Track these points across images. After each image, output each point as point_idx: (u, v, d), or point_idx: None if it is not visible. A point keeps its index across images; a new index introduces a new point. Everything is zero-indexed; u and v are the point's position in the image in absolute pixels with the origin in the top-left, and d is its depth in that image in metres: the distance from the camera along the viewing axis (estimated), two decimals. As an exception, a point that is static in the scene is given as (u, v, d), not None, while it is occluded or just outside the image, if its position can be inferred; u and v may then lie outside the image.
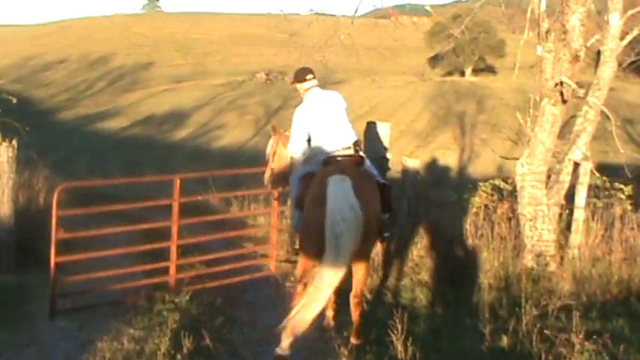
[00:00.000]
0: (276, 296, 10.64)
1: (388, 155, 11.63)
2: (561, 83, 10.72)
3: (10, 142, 12.13)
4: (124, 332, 8.67)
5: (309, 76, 9.28)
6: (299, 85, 9.32)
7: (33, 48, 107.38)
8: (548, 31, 10.93)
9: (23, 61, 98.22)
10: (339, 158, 8.67)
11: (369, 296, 10.16)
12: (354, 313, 8.24)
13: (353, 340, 8.23)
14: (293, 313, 7.74)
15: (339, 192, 7.77)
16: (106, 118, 65.42)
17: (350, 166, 8.47)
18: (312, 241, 7.97)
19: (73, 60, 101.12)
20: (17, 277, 11.05)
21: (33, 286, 10.53)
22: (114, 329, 8.79)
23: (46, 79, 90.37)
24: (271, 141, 10.12)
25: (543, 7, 10.95)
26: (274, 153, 9.99)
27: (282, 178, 9.98)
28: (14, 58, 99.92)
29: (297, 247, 9.30)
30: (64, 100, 78.06)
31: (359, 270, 8.16)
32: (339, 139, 8.84)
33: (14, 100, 17.01)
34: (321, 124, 8.92)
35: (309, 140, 9.06)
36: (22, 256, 11.76)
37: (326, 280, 7.56)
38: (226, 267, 11.36)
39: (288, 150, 9.35)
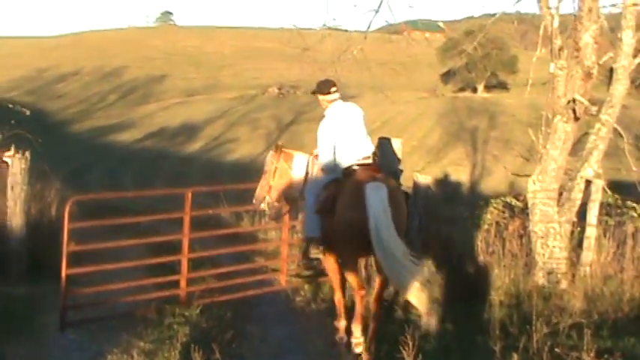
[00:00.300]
0: (286, 311, 10.63)
1: (401, 167, 11.63)
2: (574, 100, 10.71)
3: (23, 153, 12.19)
4: (134, 345, 8.68)
5: (333, 89, 9.48)
6: (322, 97, 9.50)
7: (46, 60, 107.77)
8: (561, 48, 10.93)
9: (37, 73, 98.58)
10: (356, 167, 9.05)
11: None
12: (375, 319, 8.66)
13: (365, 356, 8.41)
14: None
15: (377, 198, 8.26)
16: (118, 131, 65.53)
17: (383, 175, 8.94)
18: (349, 243, 8.54)
19: (87, 72, 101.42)
20: (28, 288, 11.08)
21: (44, 298, 10.56)
22: (124, 342, 8.80)
23: (59, 91, 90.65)
24: (270, 158, 10.07)
25: (556, 24, 10.96)
26: (275, 170, 9.98)
27: (281, 196, 10.13)
28: (28, 69, 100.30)
29: (313, 255, 9.51)
30: (77, 112, 78.24)
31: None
32: (360, 149, 9.21)
33: (27, 112, 17.10)
34: (345, 135, 9.20)
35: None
36: (33, 267, 11.80)
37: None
38: (237, 281, 11.36)
39: (318, 160, 9.50)
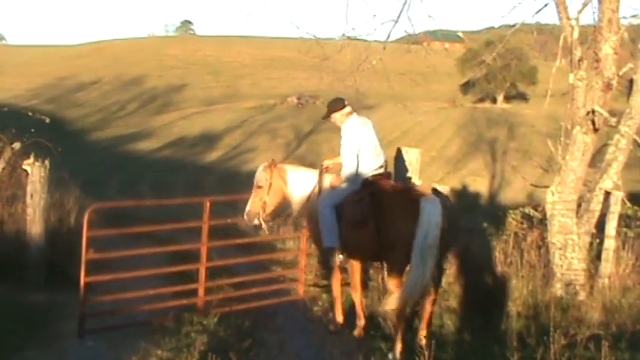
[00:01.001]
0: (304, 320, 10.63)
1: (418, 182, 11.64)
2: (593, 111, 10.68)
3: (43, 161, 12.24)
4: (152, 353, 8.69)
5: (346, 103, 9.86)
6: (338, 114, 9.85)
7: (67, 68, 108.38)
8: (580, 59, 10.90)
9: (57, 82, 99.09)
10: (372, 178, 9.63)
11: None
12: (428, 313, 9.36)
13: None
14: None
15: (434, 212, 8.84)
16: (137, 140, 65.77)
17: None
18: (404, 254, 8.83)
19: (106, 81, 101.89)
20: (47, 295, 11.13)
21: (62, 305, 10.60)
22: (142, 350, 8.80)
23: (79, 100, 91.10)
24: (263, 173, 10.10)
25: (576, 34, 10.93)
26: (270, 186, 10.05)
27: (275, 212, 10.24)
28: (48, 78, 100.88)
29: (337, 263, 9.83)
30: (97, 120, 78.58)
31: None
32: (377, 159, 9.72)
33: (47, 120, 17.16)
34: (365, 145, 9.62)
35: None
36: (51, 274, 11.85)
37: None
38: (255, 290, 11.37)
39: (343, 171, 9.70)
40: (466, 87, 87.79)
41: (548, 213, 11.00)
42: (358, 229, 9.37)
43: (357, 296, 10.05)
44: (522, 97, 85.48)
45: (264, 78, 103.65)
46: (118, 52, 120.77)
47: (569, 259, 10.75)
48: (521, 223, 12.20)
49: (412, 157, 11.79)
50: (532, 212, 12.30)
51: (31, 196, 12.09)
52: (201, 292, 10.90)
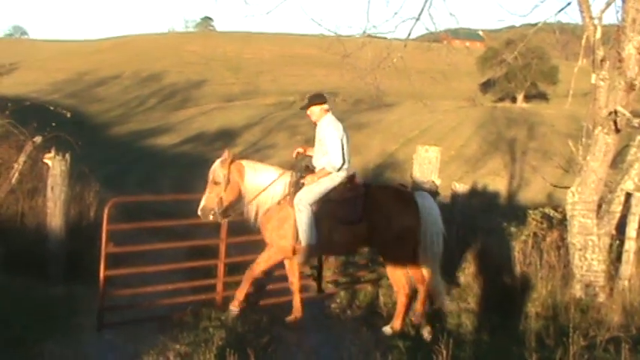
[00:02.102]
0: (322, 317, 10.63)
1: (437, 180, 11.63)
2: (615, 112, 10.61)
3: (63, 155, 12.29)
4: (170, 347, 8.72)
5: (326, 100, 10.24)
6: (317, 107, 10.11)
7: (87, 63, 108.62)
8: (603, 59, 10.84)
9: (78, 77, 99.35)
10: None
11: (414, 320, 10.14)
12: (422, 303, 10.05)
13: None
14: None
15: (434, 207, 9.95)
16: (157, 135, 65.80)
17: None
18: (406, 245, 9.83)
19: (127, 76, 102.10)
20: (66, 288, 11.16)
21: (81, 299, 10.63)
22: (160, 344, 8.84)
23: (99, 95, 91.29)
24: (220, 168, 9.98)
25: (599, 34, 10.87)
26: (228, 182, 9.95)
27: (230, 209, 10.18)
28: (69, 73, 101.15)
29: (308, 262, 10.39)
30: (117, 115, 78.68)
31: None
32: (349, 158, 10.09)
33: (68, 114, 17.22)
34: (345, 144, 9.93)
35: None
36: (71, 268, 11.89)
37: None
38: (272, 286, 11.38)
39: (331, 162, 9.80)
40: (486, 86, 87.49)
41: (569, 214, 10.96)
42: (349, 227, 9.76)
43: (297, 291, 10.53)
44: (543, 96, 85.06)
45: (284, 75, 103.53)
46: (139, 48, 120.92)
47: (589, 260, 10.70)
48: (541, 223, 12.15)
49: (432, 156, 11.79)
50: (552, 212, 12.25)
51: (52, 189, 12.14)
52: (219, 287, 10.93)
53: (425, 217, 9.77)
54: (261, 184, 10.02)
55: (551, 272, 10.82)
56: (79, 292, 10.92)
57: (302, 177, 9.95)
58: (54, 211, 12.13)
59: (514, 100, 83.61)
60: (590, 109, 11.11)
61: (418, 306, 10.06)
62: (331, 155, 9.80)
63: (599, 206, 10.95)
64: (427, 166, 11.79)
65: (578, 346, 7.77)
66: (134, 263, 11.00)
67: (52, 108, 17.69)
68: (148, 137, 64.19)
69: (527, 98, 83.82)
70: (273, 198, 10.01)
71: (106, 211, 9.81)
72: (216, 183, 9.90)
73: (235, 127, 66.24)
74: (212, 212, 9.90)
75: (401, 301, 9.98)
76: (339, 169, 9.83)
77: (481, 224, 12.94)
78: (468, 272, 11.41)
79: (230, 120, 70.05)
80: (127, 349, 8.93)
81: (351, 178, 10.04)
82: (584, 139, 11.12)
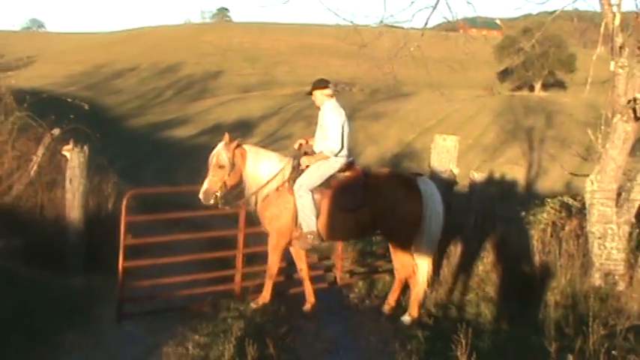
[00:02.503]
0: (340, 307, 10.63)
1: (455, 169, 11.61)
2: (634, 100, 10.53)
3: (82, 147, 12.33)
4: (189, 338, 8.76)
5: (329, 86, 10.28)
6: (319, 92, 10.22)
7: (104, 56, 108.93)
8: (622, 47, 10.76)
9: (95, 69, 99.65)
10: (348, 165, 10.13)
11: (433, 310, 10.12)
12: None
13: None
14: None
15: (435, 191, 9.98)
16: (174, 126, 65.95)
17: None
18: (411, 230, 9.92)
19: (144, 68, 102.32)
20: (85, 280, 11.21)
21: (100, 290, 10.68)
22: (179, 335, 8.88)
23: (116, 87, 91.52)
24: (225, 152, 9.95)
25: (617, 21, 10.78)
26: (233, 166, 9.95)
27: (229, 194, 10.14)
28: (86, 65, 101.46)
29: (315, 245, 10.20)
30: (134, 107, 78.90)
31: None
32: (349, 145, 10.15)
33: (86, 106, 17.28)
34: (346, 129, 9.99)
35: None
36: (90, 259, 11.94)
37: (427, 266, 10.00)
38: (291, 276, 11.40)
39: (331, 147, 9.90)
40: (504, 75, 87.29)
41: (588, 202, 10.90)
42: (350, 214, 9.85)
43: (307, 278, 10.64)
44: (560, 85, 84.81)
45: (300, 65, 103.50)
46: (155, 40, 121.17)
47: (608, 248, 10.64)
48: (560, 212, 12.10)
49: (450, 145, 11.76)
50: (571, 201, 12.20)
51: (70, 181, 12.18)
52: (238, 278, 10.95)
53: (427, 203, 9.84)
54: (262, 169, 10.07)
55: (570, 261, 10.76)
56: (98, 284, 10.97)
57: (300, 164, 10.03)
58: (72, 202, 12.17)
59: (532, 88, 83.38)
60: (608, 96, 11.03)
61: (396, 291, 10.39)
62: (330, 140, 9.89)
63: (619, 194, 10.88)
64: (445, 155, 11.76)
65: (598, 334, 7.75)
66: (153, 254, 11.03)
67: (69, 100, 17.76)
68: (165, 129, 64.40)
69: (545, 87, 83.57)
70: (273, 184, 10.04)
71: (124, 202, 9.83)
72: (220, 167, 9.88)
73: (252, 118, 66.34)
74: (214, 196, 9.88)
75: (414, 287, 10.08)
76: (336, 155, 9.92)
77: (499, 213, 12.90)
78: (486, 261, 11.38)
79: (247, 111, 70.17)
80: (146, 340, 8.98)
81: (349, 165, 10.12)
82: (602, 127, 11.05)
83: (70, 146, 12.35)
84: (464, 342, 7.38)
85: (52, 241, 12.21)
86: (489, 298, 10.67)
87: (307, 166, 9.97)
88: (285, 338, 8.84)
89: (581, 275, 10.57)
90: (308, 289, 10.56)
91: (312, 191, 9.83)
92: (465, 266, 11.35)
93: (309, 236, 9.89)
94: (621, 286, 10.39)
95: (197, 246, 12.19)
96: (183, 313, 9.94)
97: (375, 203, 9.80)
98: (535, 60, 79.09)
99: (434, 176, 11.76)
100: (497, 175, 27.81)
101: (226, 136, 10.06)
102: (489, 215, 12.13)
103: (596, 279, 10.53)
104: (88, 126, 14.88)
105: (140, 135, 61.22)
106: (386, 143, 51.27)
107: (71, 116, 15.23)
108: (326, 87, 10.25)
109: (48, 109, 15.80)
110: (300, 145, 10.49)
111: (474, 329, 7.89)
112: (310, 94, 10.39)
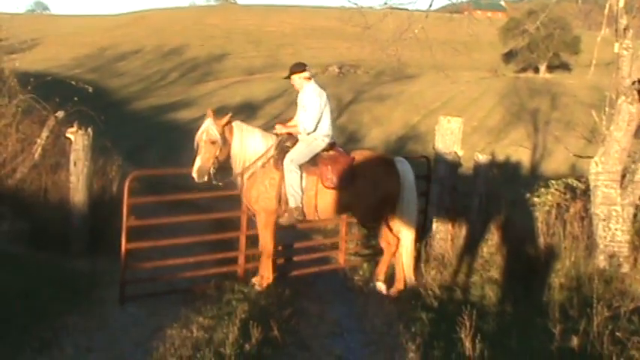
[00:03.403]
0: (344, 289, 10.64)
1: (460, 151, 11.59)
2: (639, 81, 10.50)
3: (86, 130, 12.33)
4: (193, 320, 8.77)
5: (307, 69, 10.56)
6: (300, 75, 10.44)
7: (108, 38, 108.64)
8: (626, 28, 10.72)
9: (99, 52, 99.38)
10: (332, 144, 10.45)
11: (438, 292, 10.12)
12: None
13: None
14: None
15: (410, 170, 10.39)
16: (178, 109, 65.82)
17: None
18: (386, 206, 10.39)
19: (148, 51, 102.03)
20: (89, 262, 11.24)
21: (104, 273, 10.72)
22: (183, 317, 8.89)
23: (120, 70, 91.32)
24: (215, 128, 9.95)
25: (622, 3, 10.74)
26: (224, 141, 10.01)
27: (222, 169, 10.20)
28: (90, 48, 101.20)
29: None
30: (138, 90, 78.74)
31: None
32: (332, 126, 10.46)
33: (90, 89, 17.26)
34: (326, 110, 10.26)
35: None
36: (94, 242, 11.96)
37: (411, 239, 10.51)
38: (295, 258, 11.41)
39: (305, 125, 10.18)
40: (508, 57, 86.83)
41: (592, 184, 10.87)
42: (334, 192, 10.12)
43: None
44: (565, 67, 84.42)
45: (305, 47, 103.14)
46: (159, 22, 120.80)
47: (612, 230, 10.62)
48: (564, 193, 12.09)
49: (454, 127, 11.73)
50: (575, 183, 12.19)
51: (75, 164, 12.19)
52: (241, 260, 10.98)
53: (403, 183, 10.36)
54: (248, 146, 10.19)
55: (574, 243, 10.74)
56: (102, 266, 11.00)
57: (286, 140, 10.27)
58: (77, 185, 12.18)
59: (536, 70, 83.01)
60: (613, 78, 10.99)
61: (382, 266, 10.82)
62: (307, 119, 10.16)
63: (623, 176, 10.85)
64: (449, 137, 11.73)
65: (602, 316, 7.75)
66: (156, 237, 11.06)
67: (73, 83, 17.74)
68: (169, 111, 64.31)
69: (550, 69, 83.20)
70: (258, 161, 10.18)
71: (126, 184, 9.85)
72: (212, 142, 9.89)
73: (257, 101, 66.24)
74: (207, 173, 9.91)
75: (399, 261, 10.64)
76: (309, 134, 10.17)
77: (504, 195, 12.88)
78: (491, 243, 11.37)
79: (252, 93, 70.05)
80: (149, 322, 8.99)
81: (332, 146, 10.41)
82: (607, 109, 11.02)
83: (74, 129, 12.35)
84: (468, 324, 7.39)
85: (56, 223, 12.24)
86: (494, 280, 10.68)
87: (282, 134, 10.33)
88: (289, 321, 8.85)
89: (586, 257, 10.56)
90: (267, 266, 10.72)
91: (301, 167, 10.03)
92: (470, 248, 11.35)
93: (295, 212, 10.07)
94: (625, 268, 10.38)
95: (200, 228, 12.20)
96: (186, 295, 9.97)
97: (357, 183, 10.12)
98: (540, 42, 78.63)
99: (438, 158, 11.75)
100: (501, 157, 27.77)
101: (210, 112, 10.18)
102: (494, 197, 12.11)
103: (601, 261, 10.52)
104: (92, 108, 14.88)
105: (144, 117, 61.19)
106: (390, 125, 51.17)
107: (75, 99, 15.21)
108: (304, 70, 10.50)
109: (52, 91, 15.79)
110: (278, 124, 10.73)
111: (478, 311, 7.90)
112: (288, 78, 10.58)
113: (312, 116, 10.13)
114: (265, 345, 7.90)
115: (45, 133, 14.29)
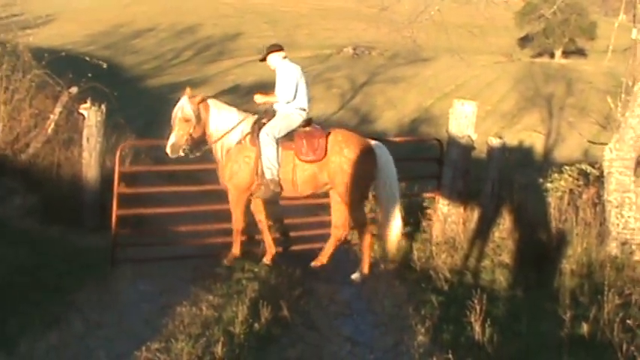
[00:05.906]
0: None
1: (474, 135, 11.54)
2: (656, 68, 10.44)
3: (99, 106, 12.33)
4: (202, 298, 8.78)
5: (282, 49, 10.84)
6: (276, 55, 10.66)
7: (123, 16, 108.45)
8: (644, 14, 10.65)
9: (113, 29, 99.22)
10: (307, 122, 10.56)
11: (448, 275, 10.10)
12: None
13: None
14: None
15: (389, 156, 10.47)
16: (192, 87, 65.75)
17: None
18: (365, 188, 10.62)
19: (162, 29, 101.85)
20: (100, 239, 11.25)
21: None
22: (193, 295, 8.90)
23: (134, 47, 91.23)
24: (191, 106, 10.22)
25: (641, -11, 10.67)
26: (198, 119, 10.23)
27: (196, 145, 10.37)
28: (105, 25, 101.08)
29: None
30: (152, 67, 78.68)
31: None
32: (308, 102, 10.61)
33: (104, 65, 17.26)
34: (301, 85, 10.44)
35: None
36: (105, 218, 11.98)
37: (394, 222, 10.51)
38: (303, 233, 11.45)
39: (280, 99, 10.41)
40: (524, 41, 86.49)
41: (606, 170, 10.82)
42: (310, 166, 10.22)
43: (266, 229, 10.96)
44: (581, 52, 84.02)
45: (320, 28, 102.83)
46: (174, 0, 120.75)
47: (625, 217, 10.57)
48: (577, 179, 12.03)
49: (468, 110, 11.66)
50: (589, 169, 12.13)
51: (87, 140, 12.22)
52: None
53: (382, 167, 10.42)
54: (224, 123, 10.37)
55: (586, 229, 10.70)
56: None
57: (262, 117, 10.42)
58: (89, 161, 12.21)
59: (552, 55, 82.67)
60: (629, 64, 10.93)
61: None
62: (283, 88, 10.36)
63: (637, 163, 10.78)
64: (463, 121, 11.66)
65: (613, 304, 7.73)
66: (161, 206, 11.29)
67: (87, 59, 17.74)
68: (182, 89, 64.25)
69: (566, 54, 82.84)
70: (234, 137, 10.34)
71: (117, 153, 10.41)
72: (186, 120, 10.13)
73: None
74: (182, 149, 10.13)
75: (366, 241, 10.65)
76: (288, 103, 10.37)
77: (517, 180, 12.83)
78: (502, 228, 11.34)
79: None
80: (160, 300, 9.00)
81: (308, 122, 10.55)
82: (622, 96, 10.95)
83: (87, 105, 12.37)
84: (478, 308, 7.38)
85: (68, 199, 12.28)
86: (505, 265, 10.66)
87: (261, 104, 10.63)
88: (299, 301, 8.86)
89: (598, 244, 10.52)
90: (267, 240, 10.89)
91: (278, 141, 10.13)
92: (481, 232, 11.32)
93: (271, 185, 10.13)
94: (638, 256, 10.33)
95: (200, 199, 12.20)
96: (196, 273, 10.01)
97: (332, 159, 10.17)
98: (556, 27, 78.30)
99: (451, 142, 11.70)
100: (515, 141, 27.66)
101: (188, 90, 10.46)
102: (507, 182, 12.07)
103: (613, 248, 10.48)
104: (105, 85, 14.88)
105: (158, 95, 61.23)
106: (404, 108, 51.01)
107: (89, 75, 15.22)
108: (280, 50, 10.77)
109: (66, 67, 15.79)
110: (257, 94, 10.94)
111: (488, 295, 7.88)
112: (264, 59, 10.83)
113: (289, 85, 10.33)
114: (274, 325, 7.92)
115: (58, 109, 14.31)
